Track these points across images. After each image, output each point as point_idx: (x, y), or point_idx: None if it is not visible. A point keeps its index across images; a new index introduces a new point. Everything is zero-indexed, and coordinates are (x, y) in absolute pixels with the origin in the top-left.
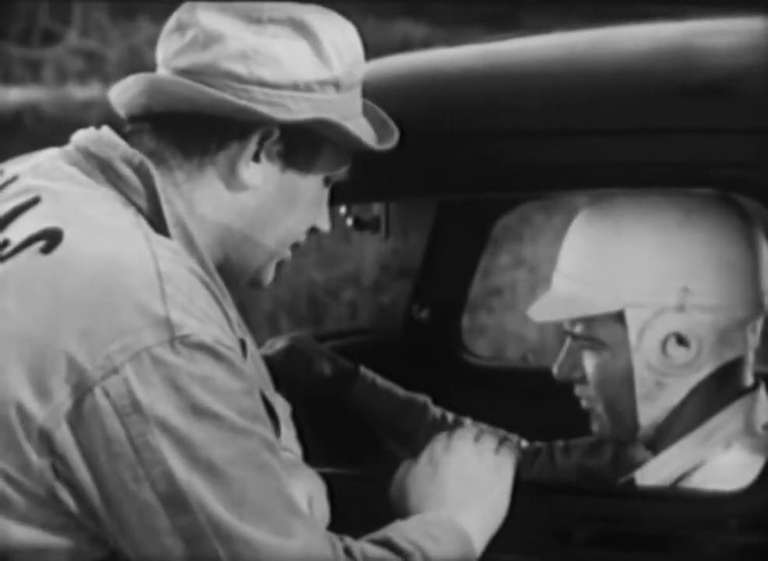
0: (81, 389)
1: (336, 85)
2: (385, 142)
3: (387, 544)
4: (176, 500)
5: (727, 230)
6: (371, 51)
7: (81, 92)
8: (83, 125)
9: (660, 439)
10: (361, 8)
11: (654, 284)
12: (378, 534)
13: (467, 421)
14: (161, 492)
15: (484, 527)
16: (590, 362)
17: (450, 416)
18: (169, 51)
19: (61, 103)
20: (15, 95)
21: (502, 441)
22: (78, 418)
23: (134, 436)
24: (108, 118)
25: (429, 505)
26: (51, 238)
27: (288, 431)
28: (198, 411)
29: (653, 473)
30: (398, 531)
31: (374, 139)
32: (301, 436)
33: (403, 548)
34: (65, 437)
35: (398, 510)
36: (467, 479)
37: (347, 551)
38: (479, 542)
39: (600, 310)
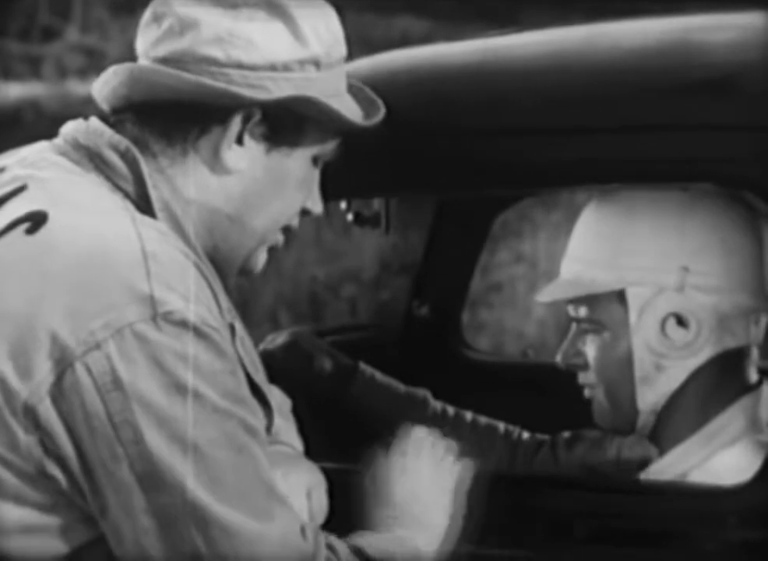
0: (63, 365)
1: (316, 63)
2: (371, 120)
3: (361, 554)
4: (153, 479)
5: (731, 217)
6: (372, 46)
7: (81, 88)
8: None
9: (661, 428)
10: (362, 3)
11: (655, 262)
12: (351, 542)
13: (468, 414)
14: (139, 470)
15: (433, 542)
16: (591, 346)
17: (450, 409)
18: (147, 41)
19: (61, 99)
20: (15, 91)
21: (455, 459)
22: (59, 393)
23: (113, 413)
24: (104, 113)
25: (384, 523)
26: (35, 220)
27: (288, 425)
28: (179, 389)
29: (658, 475)
30: (369, 542)
31: (359, 116)
32: (301, 431)
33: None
34: (48, 412)
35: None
36: (415, 498)
37: (331, 548)
38: (431, 558)
39: (602, 288)
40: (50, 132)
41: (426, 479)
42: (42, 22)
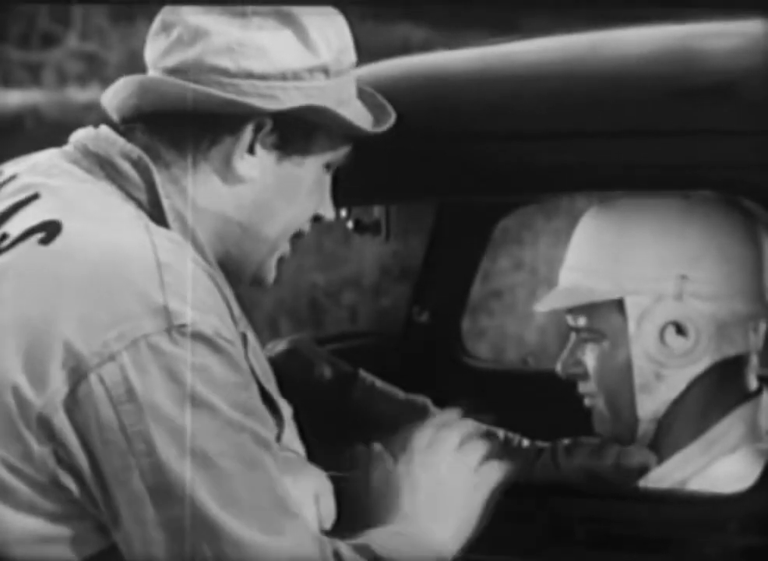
0: (77, 375)
1: (326, 71)
2: (382, 126)
3: (367, 553)
4: (164, 491)
5: (729, 224)
6: (372, 54)
7: (81, 95)
8: (83, 127)
9: (662, 436)
10: (361, 11)
11: (653, 271)
12: (358, 541)
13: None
14: (150, 482)
15: (453, 542)
16: (591, 355)
17: None
18: (156, 52)
19: (61, 106)
20: (15, 98)
21: (486, 457)
22: (74, 404)
23: (127, 425)
24: (107, 121)
25: (400, 517)
26: (49, 230)
27: (290, 432)
28: (193, 401)
29: (658, 482)
30: (377, 540)
31: (369, 122)
32: (302, 438)
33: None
34: (62, 423)
35: (359, 497)
36: (440, 493)
37: (336, 554)
38: (448, 557)
39: (601, 297)
40: (50, 139)
41: (450, 471)
42: (42, 28)
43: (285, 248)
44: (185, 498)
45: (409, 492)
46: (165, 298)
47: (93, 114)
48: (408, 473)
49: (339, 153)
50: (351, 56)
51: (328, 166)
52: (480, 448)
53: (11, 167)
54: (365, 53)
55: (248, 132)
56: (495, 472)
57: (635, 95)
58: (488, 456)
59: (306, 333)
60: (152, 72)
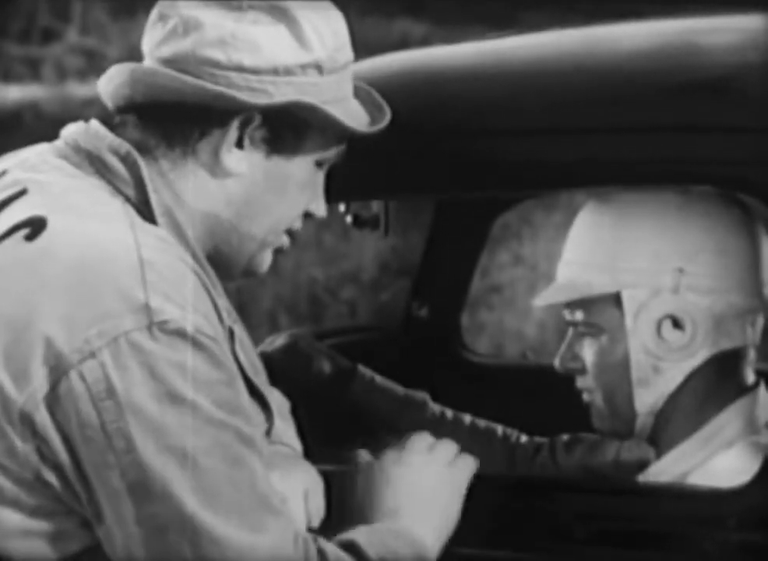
0: (57, 372)
1: (319, 68)
2: (377, 124)
3: (353, 549)
4: (144, 489)
5: (726, 218)
6: (371, 48)
7: (81, 90)
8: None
9: (659, 430)
10: (361, 6)
11: (650, 264)
12: (343, 538)
13: (467, 417)
14: (130, 479)
15: (436, 537)
16: (589, 350)
17: (449, 413)
18: (152, 42)
19: (61, 101)
20: (15, 93)
21: (455, 454)
22: (54, 401)
23: (107, 422)
24: (108, 115)
25: (382, 514)
26: (34, 226)
27: (287, 427)
28: (173, 399)
29: (657, 476)
30: (362, 536)
31: (364, 122)
32: (300, 433)
33: (368, 557)
34: (44, 420)
35: (343, 510)
36: (418, 491)
37: (321, 553)
38: (433, 552)
39: (598, 291)
40: (49, 134)
41: (423, 470)
42: (42, 23)
43: (282, 241)
44: (164, 495)
45: (388, 497)
46: (147, 295)
47: (93, 110)
48: (385, 479)
49: (332, 152)
50: (348, 55)
51: (320, 163)
52: (449, 446)
53: (1, 163)
54: (365, 48)
55: (235, 126)
56: (469, 464)
57: (634, 90)
58: (459, 451)
59: (305, 327)
60: (148, 62)
